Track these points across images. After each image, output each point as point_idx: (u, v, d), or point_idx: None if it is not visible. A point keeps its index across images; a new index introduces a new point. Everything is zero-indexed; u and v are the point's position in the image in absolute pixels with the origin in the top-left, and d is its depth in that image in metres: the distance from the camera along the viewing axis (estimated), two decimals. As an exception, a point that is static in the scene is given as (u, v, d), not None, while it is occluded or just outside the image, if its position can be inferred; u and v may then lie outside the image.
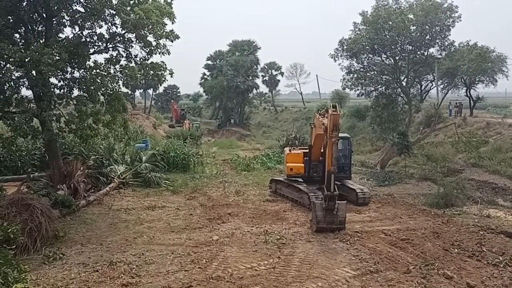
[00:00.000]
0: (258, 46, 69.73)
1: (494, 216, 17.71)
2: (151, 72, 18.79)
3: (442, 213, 17.88)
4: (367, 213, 18.06)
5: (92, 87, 17.18)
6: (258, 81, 71.62)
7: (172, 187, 22.62)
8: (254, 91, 71.72)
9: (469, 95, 40.04)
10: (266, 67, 74.63)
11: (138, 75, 18.20)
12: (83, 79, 17.39)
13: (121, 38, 18.44)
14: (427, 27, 28.38)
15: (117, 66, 18.47)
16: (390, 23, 28.09)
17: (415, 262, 12.17)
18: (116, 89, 18.19)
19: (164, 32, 18.17)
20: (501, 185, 24.07)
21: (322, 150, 18.49)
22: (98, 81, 17.26)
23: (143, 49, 18.63)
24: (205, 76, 76.89)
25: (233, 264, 12.10)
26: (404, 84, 31.41)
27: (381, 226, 15.93)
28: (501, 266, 11.88)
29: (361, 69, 31.17)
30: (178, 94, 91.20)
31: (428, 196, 20.83)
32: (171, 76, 19.31)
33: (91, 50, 18.25)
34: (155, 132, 47.57)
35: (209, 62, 76.40)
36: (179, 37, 18.63)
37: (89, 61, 18.00)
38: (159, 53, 18.60)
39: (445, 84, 37.97)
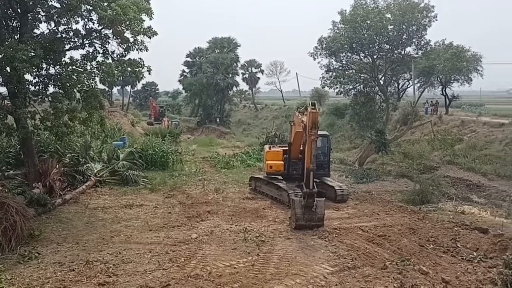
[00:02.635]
0: (238, 44, 69.45)
1: (469, 212, 18.11)
2: (129, 69, 18.63)
3: (418, 210, 18.18)
4: (345, 210, 18.24)
5: (68, 84, 16.93)
6: (238, 78, 71.57)
7: (150, 185, 22.45)
8: (234, 88, 71.63)
9: (444, 94, 40.87)
10: (246, 64, 74.52)
11: (115, 71, 17.96)
12: (58, 76, 17.13)
13: (98, 34, 18.19)
14: (404, 26, 28.70)
15: (94, 63, 18.21)
16: (368, 22, 28.33)
17: (392, 258, 12.35)
18: (92, 85, 17.92)
19: (142, 28, 18.00)
20: (476, 182, 24.63)
21: (301, 148, 18.59)
22: (74, 77, 17.02)
23: (120, 46, 18.43)
24: (184, 73, 76.43)
25: (212, 262, 12.07)
26: (381, 82, 31.76)
27: (359, 222, 16.10)
28: (475, 261, 12.13)
29: (340, 68, 31.36)
30: (157, 91, 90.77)
31: (405, 193, 21.15)
32: (149, 73, 19.20)
33: (67, 46, 17.94)
34: (133, 129, 47.08)
35: (189, 59, 75.88)
36: (157, 34, 18.50)
37: (64, 57, 17.73)
38: (137, 50, 18.44)
39: (422, 83, 38.66)
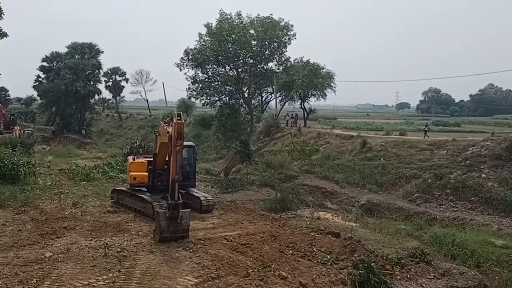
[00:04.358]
0: (100, 50, 66.65)
1: (323, 218, 19.50)
2: (-28, 72, 16.67)
3: (279, 217, 19.05)
4: (210, 220, 18.37)
5: None
6: (101, 86, 68.60)
7: (-3, 201, 20.16)
8: (96, 96, 68.42)
9: (303, 107, 43.92)
10: (109, 72, 71.64)
11: (-45, 74, 15.95)
12: None
13: None
14: (266, 42, 30.19)
15: None
16: (233, 36, 29.24)
17: (254, 265, 12.73)
18: None
19: (-11, 28, 16.30)
20: (330, 189, 26.84)
21: (167, 159, 18.32)
22: None
23: (-39, 46, 16.43)
24: (40, 79, 70.38)
25: (68, 281, 11.20)
26: (246, 95, 32.90)
27: (224, 232, 16.34)
28: (329, 264, 13.10)
29: (206, 79, 31.78)
30: (8, 98, 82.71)
31: (267, 201, 22.02)
32: (-3, 78, 17.40)
33: None
34: (-22, 139, 42.00)
35: (45, 63, 70.05)
36: (7, 35, 16.93)
37: None
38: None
39: (283, 97, 40.75)
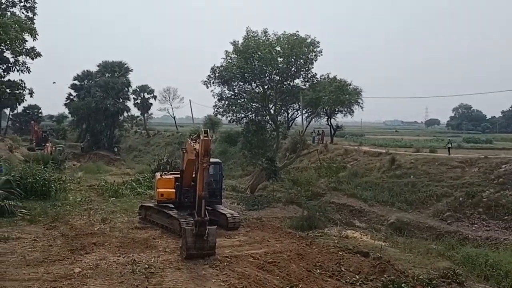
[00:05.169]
0: (129, 68, 68.23)
1: (352, 236, 19.16)
2: (8, 90, 17.24)
3: (306, 235, 18.77)
4: (236, 237, 18.25)
5: None
6: (130, 103, 70.18)
7: (29, 216, 20.53)
8: (125, 113, 69.85)
9: (330, 124, 43.63)
10: (138, 89, 73.18)
11: (-8, 93, 16.55)
12: None
13: (-29, 51, 16.65)
14: (292, 59, 30.30)
15: (-35, 82, 16.58)
16: (259, 53, 29.47)
17: (281, 284, 12.54)
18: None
19: (24, 49, 16.84)
20: (358, 207, 26.37)
21: (193, 175, 18.38)
22: None
23: (-2, 66, 17.05)
24: (71, 97, 72.39)
25: (96, 298, 11.29)
26: (272, 112, 32.95)
27: (250, 250, 16.19)
28: (358, 284, 12.77)
29: (232, 96, 32.04)
30: (40, 115, 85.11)
31: (294, 219, 21.82)
32: (31, 96, 17.97)
33: None
34: (12, 155, 43.08)
35: (76, 82, 72.23)
36: (41, 55, 17.40)
37: None
38: (18, 71, 17.19)
39: (309, 113, 40.67)
